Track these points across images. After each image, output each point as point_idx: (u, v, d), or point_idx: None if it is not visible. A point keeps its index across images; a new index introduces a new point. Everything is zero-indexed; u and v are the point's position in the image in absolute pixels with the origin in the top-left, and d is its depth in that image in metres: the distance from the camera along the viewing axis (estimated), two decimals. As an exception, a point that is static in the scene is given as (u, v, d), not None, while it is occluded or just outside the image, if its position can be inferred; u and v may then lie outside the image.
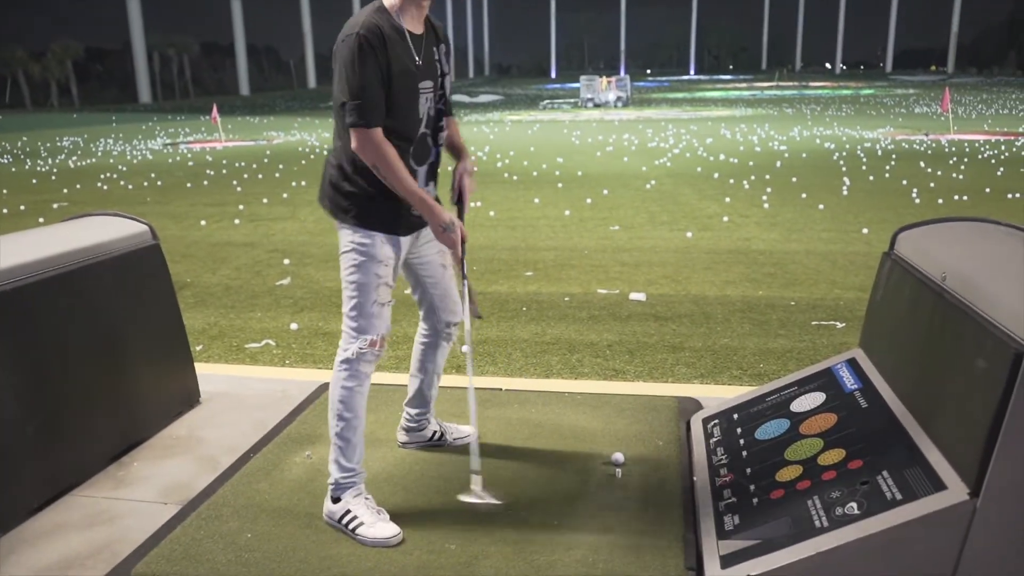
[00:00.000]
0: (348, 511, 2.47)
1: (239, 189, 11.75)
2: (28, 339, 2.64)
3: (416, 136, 2.47)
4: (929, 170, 12.10)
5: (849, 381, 2.72)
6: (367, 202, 2.43)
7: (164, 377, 3.32)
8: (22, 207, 10.19)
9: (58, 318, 2.76)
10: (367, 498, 2.52)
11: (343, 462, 2.51)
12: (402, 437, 3.01)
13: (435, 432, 3.01)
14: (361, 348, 2.48)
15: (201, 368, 3.70)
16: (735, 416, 2.93)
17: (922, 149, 15.94)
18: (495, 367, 4.10)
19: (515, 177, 12.43)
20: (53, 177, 14.18)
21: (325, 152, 18.05)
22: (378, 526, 2.42)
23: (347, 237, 2.46)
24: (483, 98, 60.28)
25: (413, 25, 2.41)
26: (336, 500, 2.50)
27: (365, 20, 2.29)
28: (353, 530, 2.43)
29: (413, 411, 2.97)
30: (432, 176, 2.60)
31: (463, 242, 2.52)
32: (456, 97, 61.09)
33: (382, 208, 2.44)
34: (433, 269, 2.72)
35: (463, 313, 2.77)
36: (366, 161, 2.34)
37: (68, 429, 2.75)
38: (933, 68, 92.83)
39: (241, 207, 9.84)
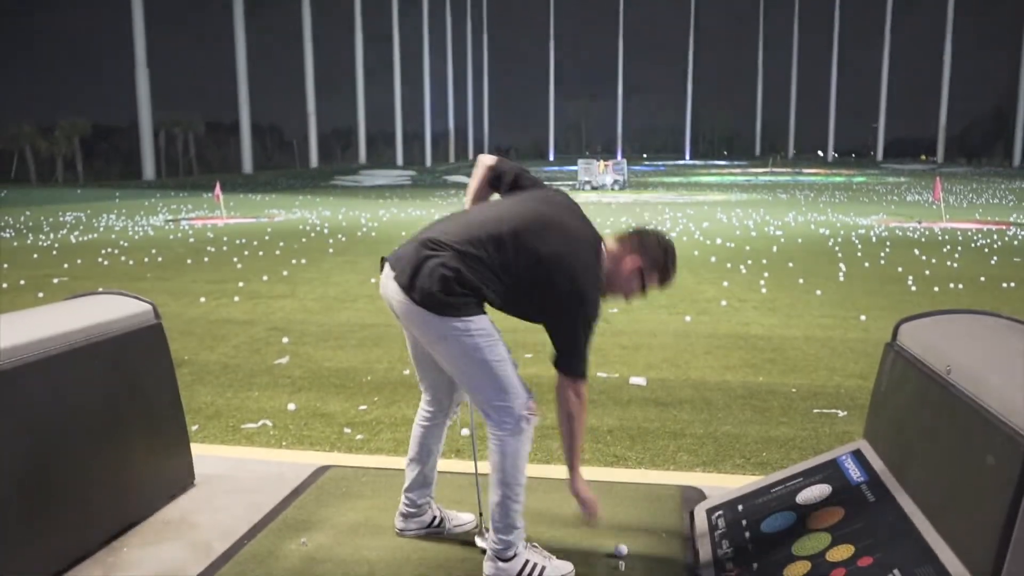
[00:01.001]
0: (527, 561, 2.59)
1: (239, 266, 11.81)
2: (22, 419, 2.60)
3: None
4: (924, 258, 12.24)
5: (855, 473, 2.69)
6: (475, 297, 2.48)
7: (159, 459, 3.27)
8: (22, 282, 10.22)
9: (54, 398, 2.74)
10: (534, 545, 2.69)
11: (517, 523, 2.59)
12: (400, 524, 2.95)
13: (435, 518, 2.95)
14: (525, 415, 2.54)
15: (196, 449, 3.65)
16: (740, 507, 2.88)
17: (916, 237, 16.15)
18: (495, 452, 4.04)
19: (514, 258, 12.52)
20: (54, 252, 14.27)
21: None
22: (554, 563, 2.61)
23: (462, 327, 2.46)
24: (482, 179, 61.06)
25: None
26: (507, 560, 2.56)
27: (596, 283, 2.52)
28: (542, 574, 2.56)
29: (413, 495, 2.92)
30: None
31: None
32: (456, 178, 62.11)
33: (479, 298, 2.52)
34: None
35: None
36: (563, 405, 2.54)
37: (57, 512, 2.69)
38: (923, 157, 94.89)
39: (241, 284, 9.88)
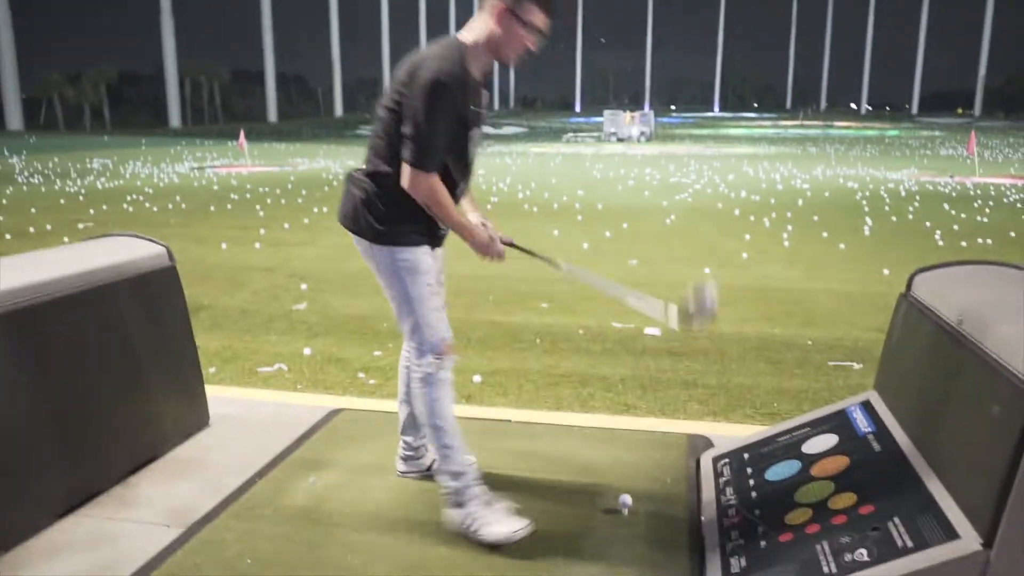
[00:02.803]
0: (469, 514, 2.53)
1: (262, 214, 11.88)
2: (40, 357, 2.65)
3: (467, 178, 2.60)
4: (953, 212, 12.00)
5: (863, 424, 2.67)
6: (406, 224, 2.48)
7: (174, 398, 3.32)
8: (48, 227, 10.35)
9: (71, 337, 2.78)
10: (484, 494, 2.58)
11: (455, 468, 2.55)
12: (400, 466, 2.98)
13: (434, 461, 2.97)
14: (436, 357, 2.52)
15: (212, 391, 3.71)
16: (746, 456, 2.88)
17: (947, 191, 15.83)
18: (505, 398, 4.07)
19: (535, 209, 12.47)
20: (81, 198, 14.42)
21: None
22: (497, 524, 2.50)
23: (388, 256, 2.49)
24: (507, 130, 60.80)
25: (480, 71, 2.48)
26: (460, 505, 2.55)
27: (456, 72, 2.32)
28: (475, 532, 2.50)
29: (409, 439, 2.94)
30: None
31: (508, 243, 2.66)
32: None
33: (418, 227, 2.51)
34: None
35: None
36: (416, 198, 2.40)
37: (73, 449, 2.75)
38: (960, 111, 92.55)
39: (262, 231, 9.94)
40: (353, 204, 2.53)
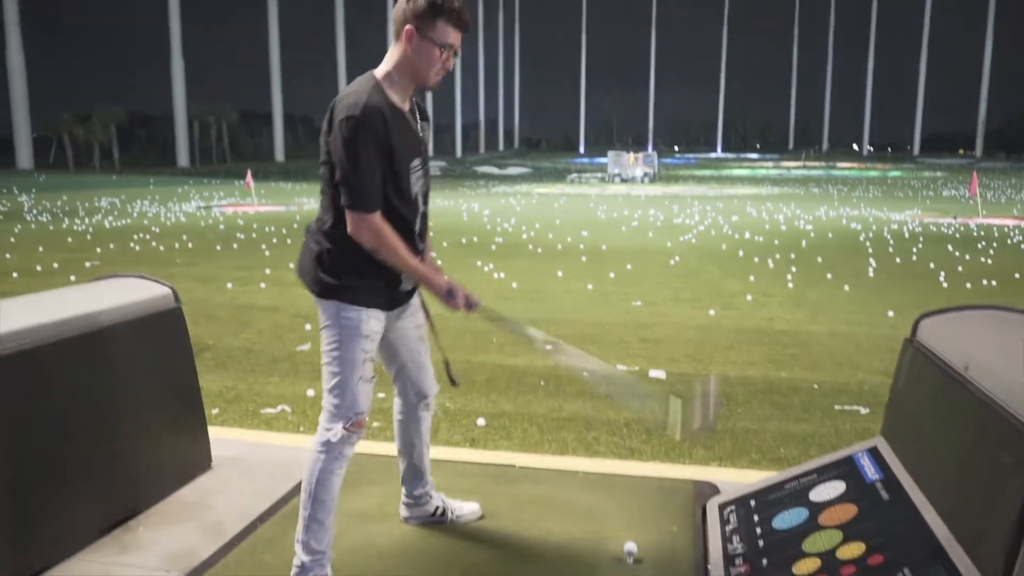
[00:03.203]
0: None
1: (267, 253, 11.93)
2: (41, 399, 2.65)
3: (417, 215, 2.51)
4: (957, 254, 12.01)
5: (870, 471, 2.64)
6: (355, 279, 2.41)
7: (176, 441, 3.31)
8: (55, 265, 10.41)
9: (73, 379, 2.78)
10: None
11: (314, 545, 2.45)
12: (404, 512, 2.95)
13: (437, 508, 2.94)
14: (346, 428, 2.44)
15: (215, 432, 3.70)
16: (752, 503, 2.85)
17: (950, 232, 15.86)
18: (510, 442, 4.04)
19: (539, 249, 12.51)
20: (88, 236, 14.52)
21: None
22: None
23: (331, 312, 2.42)
24: (512, 170, 61.25)
25: (403, 99, 2.42)
26: None
27: (366, 102, 2.27)
28: None
29: (408, 487, 2.91)
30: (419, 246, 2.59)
31: (470, 304, 2.54)
32: (485, 168, 62.16)
33: (370, 284, 2.43)
34: (413, 343, 2.71)
35: (436, 384, 2.83)
36: (363, 244, 2.34)
37: (74, 492, 2.73)
38: (961, 152, 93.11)
39: (268, 271, 9.97)
40: (307, 257, 2.48)
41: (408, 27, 2.32)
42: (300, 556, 2.46)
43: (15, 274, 9.60)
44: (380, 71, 2.40)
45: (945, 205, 25.59)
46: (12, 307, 2.80)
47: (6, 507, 2.46)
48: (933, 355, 2.52)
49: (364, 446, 3.89)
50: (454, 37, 2.37)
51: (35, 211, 21.29)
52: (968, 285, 9.01)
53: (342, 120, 2.26)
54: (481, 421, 4.29)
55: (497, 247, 12.85)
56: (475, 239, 13.98)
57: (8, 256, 11.43)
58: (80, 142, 74.71)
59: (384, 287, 2.47)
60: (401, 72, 2.38)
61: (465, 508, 2.99)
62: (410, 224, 2.49)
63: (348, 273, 2.41)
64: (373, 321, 2.45)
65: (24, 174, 48.75)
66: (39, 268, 10.13)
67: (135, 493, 3.03)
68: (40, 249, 12.33)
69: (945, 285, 9.06)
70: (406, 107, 2.44)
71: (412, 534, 2.87)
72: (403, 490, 2.93)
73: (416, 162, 2.47)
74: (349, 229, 2.34)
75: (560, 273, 9.88)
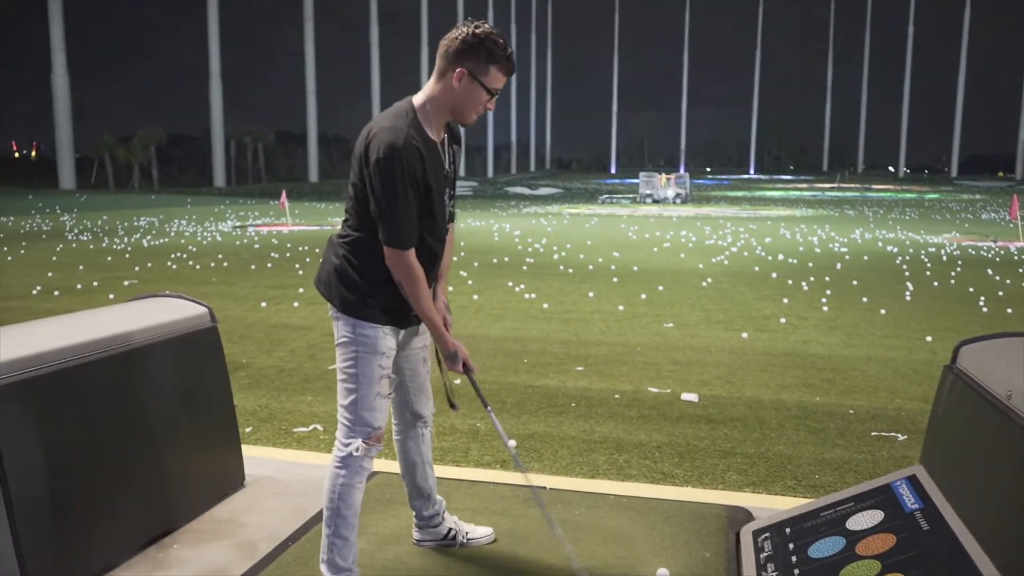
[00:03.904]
0: None
1: (300, 272, 12.06)
2: (80, 417, 2.69)
3: (443, 239, 2.57)
4: (997, 278, 11.77)
5: (910, 500, 2.59)
6: (375, 298, 2.46)
7: (211, 459, 3.35)
8: (95, 283, 10.62)
9: (112, 397, 2.83)
10: None
11: (339, 562, 2.47)
12: (416, 535, 2.95)
13: (450, 530, 2.93)
14: (365, 443, 2.48)
15: (248, 451, 3.73)
16: (787, 530, 2.80)
17: (990, 256, 15.56)
18: (540, 464, 4.03)
19: (571, 270, 12.50)
20: (127, 255, 14.80)
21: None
22: None
23: (347, 328, 2.46)
24: (543, 191, 61.39)
25: (438, 131, 2.47)
26: None
27: (404, 142, 2.31)
28: None
29: (419, 508, 2.90)
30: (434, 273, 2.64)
31: (467, 369, 2.60)
32: (517, 189, 62.36)
33: (388, 304, 2.48)
34: (416, 363, 2.74)
35: (433, 406, 2.86)
36: (394, 276, 2.41)
37: (110, 509, 2.77)
38: (1001, 174, 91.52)
39: (301, 290, 10.08)
40: (328, 270, 2.53)
41: (460, 69, 2.36)
42: (327, 575, 2.46)
43: (56, 292, 9.81)
44: (418, 100, 2.44)
45: (984, 228, 25.13)
46: (53, 327, 2.87)
47: (44, 524, 2.50)
48: (974, 382, 2.47)
49: (394, 465, 3.90)
50: (502, 83, 2.43)
51: (76, 230, 21.77)
52: (1009, 310, 8.82)
53: (382, 159, 2.30)
54: (512, 443, 4.28)
55: (528, 267, 12.87)
56: (506, 259, 14.01)
57: (50, 275, 11.68)
58: (121, 162, 76.38)
59: (401, 306, 2.50)
60: (440, 106, 2.43)
61: (478, 531, 2.97)
62: (437, 253, 2.57)
63: (368, 291, 2.45)
64: (389, 338, 2.50)
65: (66, 194, 49.91)
66: (79, 286, 10.34)
67: (170, 511, 3.07)
68: (80, 268, 12.59)
69: (985, 310, 8.88)
70: (438, 138, 2.48)
71: (439, 555, 2.87)
72: (413, 512, 2.93)
73: (447, 191, 2.53)
74: (387, 260, 2.40)
75: (591, 294, 9.86)
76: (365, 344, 2.45)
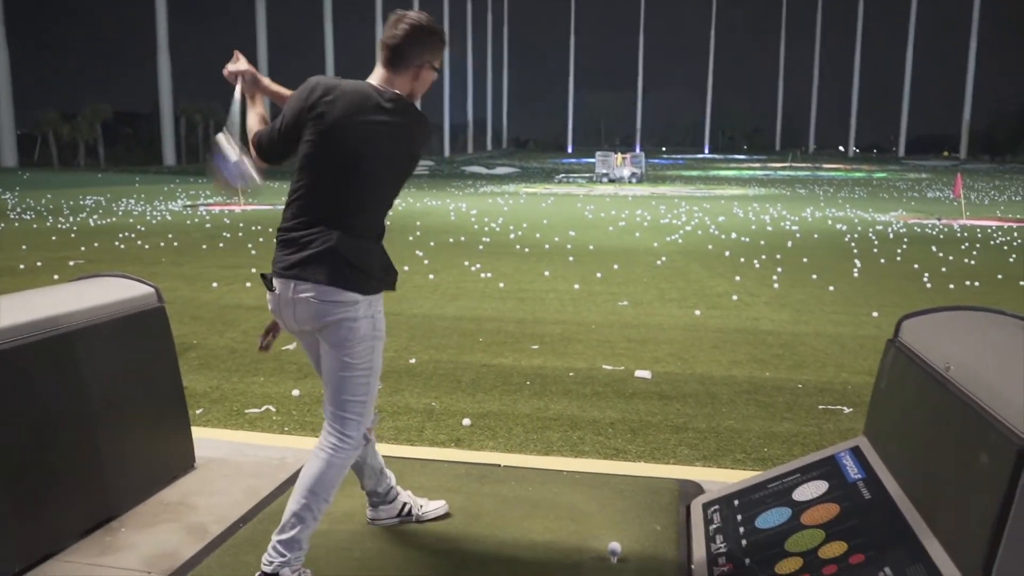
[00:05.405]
0: None
1: (253, 252, 11.88)
2: (23, 398, 2.62)
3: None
4: (941, 255, 12.10)
5: (852, 471, 2.66)
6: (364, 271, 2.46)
7: (160, 441, 3.29)
8: (39, 263, 10.32)
9: (55, 378, 2.76)
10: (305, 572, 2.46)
11: (300, 538, 2.44)
12: (371, 514, 2.93)
13: (404, 504, 2.93)
14: (366, 437, 2.52)
15: (199, 432, 3.68)
16: (736, 502, 2.86)
17: (934, 233, 15.98)
18: (495, 442, 4.04)
19: (527, 249, 12.51)
20: (73, 235, 14.40)
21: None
22: None
23: (366, 329, 2.44)
24: (500, 170, 61.29)
25: None
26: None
27: None
28: None
29: (371, 486, 2.88)
30: None
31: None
32: (473, 168, 62.14)
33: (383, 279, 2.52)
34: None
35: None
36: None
37: (56, 492, 2.71)
38: (946, 154, 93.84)
39: (253, 270, 9.92)
40: (342, 266, 2.45)
41: (423, 63, 2.47)
42: (286, 553, 2.44)
43: (-3, 273, 9.51)
44: (379, 87, 2.47)
45: (930, 206, 25.79)
46: (-8, 306, 2.77)
47: (-15, 508, 2.44)
48: (915, 355, 2.54)
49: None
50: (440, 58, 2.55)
51: (19, 209, 21.10)
52: (951, 286, 9.08)
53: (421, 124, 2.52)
54: (466, 421, 4.28)
55: (484, 247, 12.84)
56: (462, 239, 13.96)
57: (-9, 254, 11.33)
58: (65, 139, 74.10)
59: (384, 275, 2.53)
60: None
61: (432, 504, 2.97)
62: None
63: (372, 275, 2.47)
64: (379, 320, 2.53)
65: (8, 172, 48.32)
66: (22, 267, 10.04)
67: (117, 494, 3.01)
68: (23, 247, 12.23)
69: (929, 286, 9.12)
70: None
71: (393, 534, 2.87)
72: (365, 492, 2.91)
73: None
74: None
75: (547, 273, 9.89)
76: (379, 339, 2.48)
